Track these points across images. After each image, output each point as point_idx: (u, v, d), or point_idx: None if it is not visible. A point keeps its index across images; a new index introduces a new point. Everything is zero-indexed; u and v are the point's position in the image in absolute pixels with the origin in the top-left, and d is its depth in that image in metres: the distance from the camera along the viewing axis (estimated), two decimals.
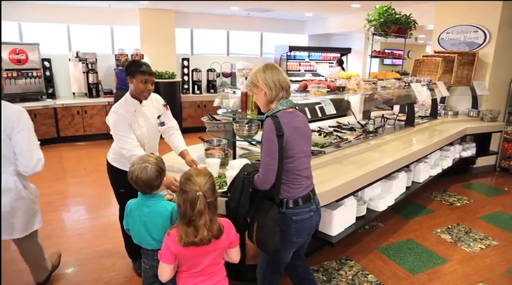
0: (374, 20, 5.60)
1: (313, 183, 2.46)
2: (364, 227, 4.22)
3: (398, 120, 5.43)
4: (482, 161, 6.54)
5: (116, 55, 8.74)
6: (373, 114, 5.64)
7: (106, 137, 2.84)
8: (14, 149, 2.67)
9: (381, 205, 3.87)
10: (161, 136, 3.30)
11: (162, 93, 8.90)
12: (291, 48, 10.75)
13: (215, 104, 3.54)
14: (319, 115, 3.51)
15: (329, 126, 4.88)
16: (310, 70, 11.13)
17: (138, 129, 2.99)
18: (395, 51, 7.55)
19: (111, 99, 8.03)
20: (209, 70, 9.92)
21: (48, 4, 8.29)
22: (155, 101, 3.18)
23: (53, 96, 8.30)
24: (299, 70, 11.20)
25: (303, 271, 2.70)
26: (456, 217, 4.79)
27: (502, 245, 4.10)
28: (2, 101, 2.68)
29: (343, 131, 4.66)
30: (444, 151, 5.53)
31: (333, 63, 11.16)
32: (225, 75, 10.20)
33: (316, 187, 2.51)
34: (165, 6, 8.84)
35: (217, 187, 2.12)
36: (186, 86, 9.68)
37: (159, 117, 3.16)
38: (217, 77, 10.04)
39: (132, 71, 2.89)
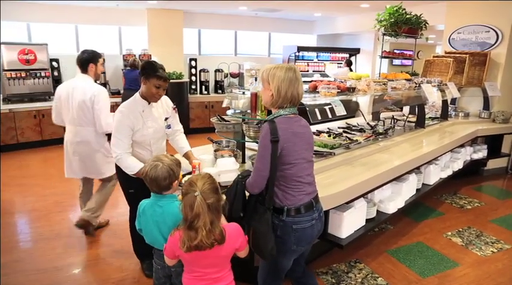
0: (384, 20, 5.53)
1: (317, 190, 2.39)
2: (374, 229, 4.17)
3: (409, 121, 5.38)
4: (493, 164, 6.45)
5: (123, 55, 8.77)
6: (382, 115, 5.60)
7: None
8: (94, 115, 3.68)
9: (391, 207, 3.83)
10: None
11: (169, 94, 8.91)
12: (300, 49, 10.69)
13: (224, 105, 3.52)
14: (329, 116, 3.47)
15: (338, 127, 4.84)
16: (318, 71, 11.08)
17: (145, 129, 2.96)
18: (405, 52, 7.47)
19: (119, 99, 8.01)
20: (217, 70, 9.91)
21: (57, 4, 8.33)
22: (164, 103, 3.16)
23: None
24: (307, 71, 11.15)
25: (301, 276, 2.66)
26: (467, 219, 4.72)
27: None
28: (91, 81, 3.78)
29: (353, 132, 4.62)
30: (455, 153, 5.46)
31: (341, 63, 11.10)
32: (233, 75, 10.18)
33: (326, 188, 2.48)
34: (172, 6, 8.85)
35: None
36: (193, 86, 9.68)
37: (166, 119, 3.14)
38: (225, 77, 10.02)
39: (148, 73, 2.84)
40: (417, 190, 4.43)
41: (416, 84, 5.04)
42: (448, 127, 5.73)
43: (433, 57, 6.41)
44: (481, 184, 6.11)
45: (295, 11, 9.50)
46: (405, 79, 4.95)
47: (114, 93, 8.66)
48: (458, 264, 3.71)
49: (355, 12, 9.41)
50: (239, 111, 3.37)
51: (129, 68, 7.77)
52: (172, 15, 9.23)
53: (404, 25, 5.56)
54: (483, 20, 6.11)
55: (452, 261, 3.75)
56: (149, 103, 2.99)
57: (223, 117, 3.48)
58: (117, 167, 3.13)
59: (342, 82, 4.08)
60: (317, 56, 11.37)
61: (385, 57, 6.19)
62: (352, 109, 5.07)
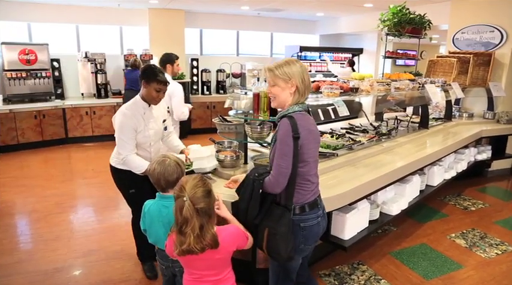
0: (388, 20, 5.50)
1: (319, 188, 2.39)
2: (377, 231, 4.14)
3: (412, 121, 5.35)
4: (497, 165, 6.41)
5: (124, 55, 8.74)
6: (386, 116, 5.57)
7: (114, 138, 2.88)
8: (172, 106, 4.07)
9: (395, 209, 3.80)
10: None
11: None
12: (302, 49, 10.65)
13: (226, 105, 3.51)
14: (332, 116, 3.45)
15: (341, 128, 4.81)
16: (321, 71, 11.03)
17: (146, 130, 3.05)
18: (408, 52, 7.44)
19: (120, 100, 8.02)
20: (219, 70, 9.88)
21: (57, 4, 8.32)
22: (161, 106, 3.25)
23: (61, 96, 8.33)
24: (310, 71, 11.09)
25: (306, 281, 2.64)
26: (471, 221, 4.69)
27: None
28: (169, 78, 4.06)
29: (356, 133, 4.58)
30: (459, 154, 5.43)
31: (344, 63, 11.05)
32: (235, 75, 10.16)
33: (329, 190, 2.46)
34: (174, 6, 8.82)
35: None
36: (195, 87, 9.64)
37: (164, 121, 3.27)
38: (226, 78, 9.99)
39: (148, 77, 2.95)
40: (421, 191, 4.40)
41: (419, 84, 5.01)
42: (452, 128, 5.69)
43: (437, 57, 6.38)
44: (485, 185, 6.06)
45: (298, 10, 9.47)
46: (409, 80, 4.92)
47: (115, 94, 8.65)
48: (462, 266, 3.67)
49: (358, 12, 9.37)
50: (241, 111, 3.34)
51: (130, 68, 7.76)
52: (173, 15, 9.21)
53: (408, 25, 5.54)
54: (487, 19, 6.07)
55: (456, 263, 3.72)
56: (149, 106, 3.07)
57: (225, 117, 3.46)
58: (114, 170, 3.17)
59: (344, 82, 4.05)
60: (319, 56, 11.33)
61: (388, 57, 6.17)
62: (355, 110, 5.06)
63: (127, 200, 3.29)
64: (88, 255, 3.75)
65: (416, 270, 3.59)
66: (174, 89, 4.17)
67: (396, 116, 5.36)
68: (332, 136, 4.29)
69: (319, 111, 3.31)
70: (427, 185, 4.57)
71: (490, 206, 5.19)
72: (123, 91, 8.11)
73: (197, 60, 9.59)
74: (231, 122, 3.38)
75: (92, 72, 8.34)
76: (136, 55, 8.57)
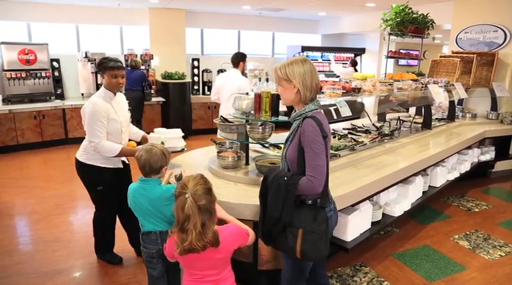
0: (390, 20, 5.46)
1: None
2: (379, 232, 4.11)
3: (415, 122, 5.32)
4: (501, 166, 6.36)
5: (125, 55, 8.69)
6: (388, 116, 5.55)
7: None
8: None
9: (397, 210, 3.78)
10: None
11: (171, 94, 8.95)
12: (304, 48, 10.62)
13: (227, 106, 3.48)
14: (334, 117, 3.44)
15: (343, 128, 4.78)
16: (323, 71, 10.99)
17: (117, 117, 3.18)
18: (411, 52, 7.40)
19: None
20: (220, 70, 9.83)
21: (57, 4, 8.30)
22: (122, 96, 3.45)
23: (61, 96, 8.30)
24: None
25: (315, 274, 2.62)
26: (474, 222, 4.65)
27: None
28: (240, 73, 4.81)
29: (358, 133, 4.55)
30: (462, 154, 5.40)
31: (346, 63, 11.02)
32: None
33: (331, 191, 2.44)
34: (175, 6, 8.79)
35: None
36: (196, 87, 9.62)
37: (128, 109, 3.47)
38: None
39: (102, 67, 3.15)
40: (424, 192, 4.38)
41: (422, 84, 4.98)
42: (455, 129, 5.67)
43: (440, 57, 6.36)
44: (488, 186, 6.02)
45: (300, 10, 9.43)
46: (411, 80, 4.89)
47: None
48: (465, 268, 3.65)
49: (361, 12, 9.34)
50: (243, 112, 3.31)
51: (129, 68, 7.71)
52: (174, 15, 9.18)
53: (411, 24, 5.50)
54: (491, 19, 6.05)
55: (459, 265, 3.69)
56: (115, 95, 3.26)
57: (226, 118, 3.43)
58: (82, 166, 3.24)
59: (347, 82, 4.02)
60: (322, 56, 11.30)
61: (391, 57, 6.13)
62: (357, 110, 5.03)
63: (93, 197, 3.38)
64: (89, 257, 3.72)
65: (419, 272, 3.57)
66: (245, 82, 4.91)
67: (399, 116, 5.32)
68: (334, 137, 4.26)
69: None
70: (430, 186, 4.55)
71: (493, 207, 5.15)
72: (123, 92, 8.06)
73: (198, 60, 9.57)
74: (232, 122, 3.36)
75: (92, 72, 8.28)
76: (136, 55, 8.54)
